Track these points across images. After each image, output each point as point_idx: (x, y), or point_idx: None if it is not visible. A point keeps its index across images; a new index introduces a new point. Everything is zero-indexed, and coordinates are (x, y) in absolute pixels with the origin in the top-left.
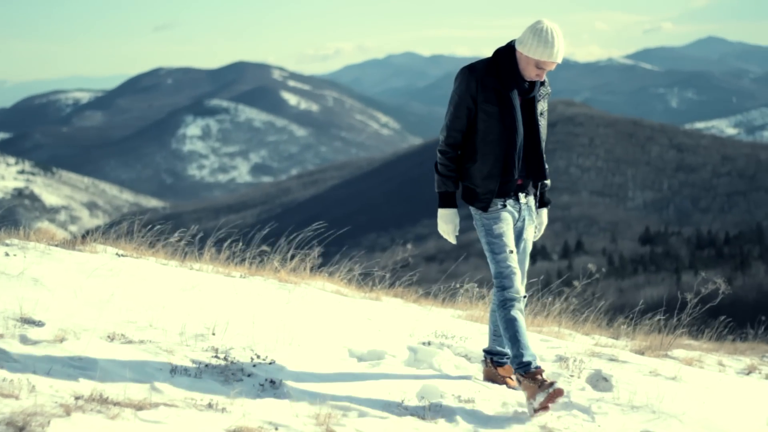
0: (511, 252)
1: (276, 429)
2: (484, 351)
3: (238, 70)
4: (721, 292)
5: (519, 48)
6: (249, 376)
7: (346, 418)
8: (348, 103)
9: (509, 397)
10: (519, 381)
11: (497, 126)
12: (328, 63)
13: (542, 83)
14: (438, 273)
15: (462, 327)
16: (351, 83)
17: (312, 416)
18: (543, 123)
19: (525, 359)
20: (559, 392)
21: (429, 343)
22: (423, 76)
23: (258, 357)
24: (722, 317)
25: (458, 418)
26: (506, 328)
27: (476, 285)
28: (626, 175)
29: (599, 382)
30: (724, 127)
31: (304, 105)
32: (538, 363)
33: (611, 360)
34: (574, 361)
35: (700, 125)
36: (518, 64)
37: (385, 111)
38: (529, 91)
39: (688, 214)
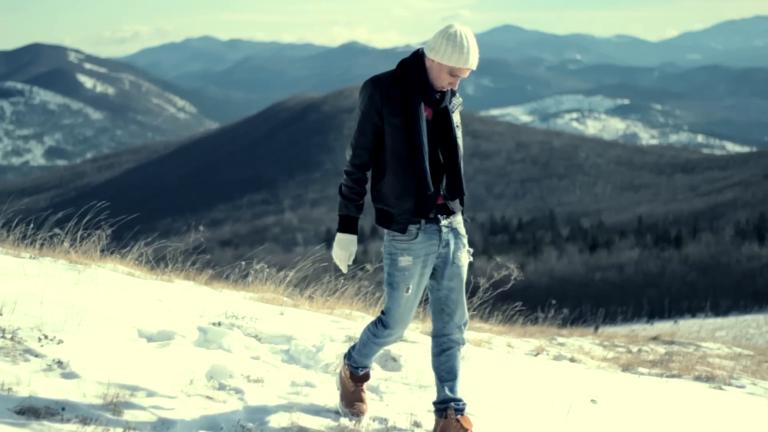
0: (408, 291)
1: (63, 409)
2: (436, 404)
3: (33, 52)
4: (514, 278)
5: (431, 55)
6: (36, 356)
7: (134, 397)
8: (145, 86)
9: (298, 377)
10: (341, 374)
11: (404, 140)
12: (125, 46)
13: (453, 93)
14: (233, 258)
15: (253, 308)
16: (148, 66)
17: (100, 396)
18: (459, 135)
19: (362, 365)
20: (361, 412)
21: (219, 324)
22: (220, 60)
23: (46, 337)
24: (515, 302)
25: (247, 397)
26: (366, 344)
27: (266, 266)
28: None
29: (388, 361)
30: (519, 115)
31: (100, 88)
32: (367, 372)
33: (401, 341)
34: None
35: (495, 112)
36: (429, 72)
37: (181, 95)
38: (440, 101)
39: (483, 200)
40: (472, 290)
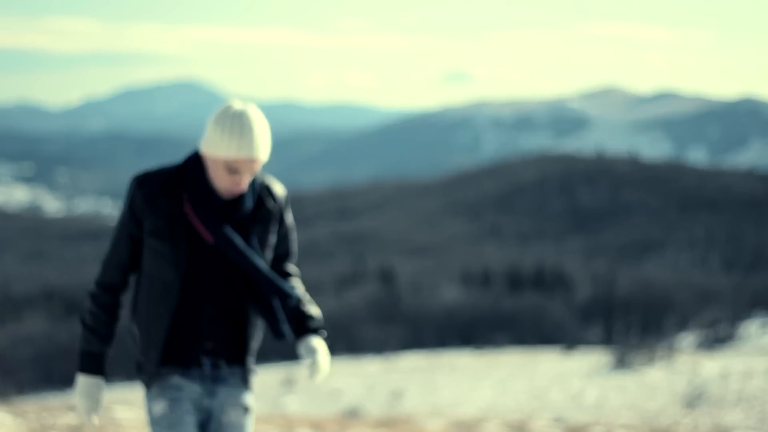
0: None
1: None
2: None
3: None
4: None
5: (203, 148)
6: None
7: None
8: None
9: None
10: None
11: (169, 271)
12: None
13: (262, 199)
14: None
15: None
16: None
17: None
18: (267, 258)
19: None
20: None
21: None
22: None
23: None
24: None
25: None
26: None
27: None
28: None
29: None
30: None
31: None
32: None
33: None
34: None
35: None
36: (208, 174)
37: None
38: (230, 213)
39: None
40: None
